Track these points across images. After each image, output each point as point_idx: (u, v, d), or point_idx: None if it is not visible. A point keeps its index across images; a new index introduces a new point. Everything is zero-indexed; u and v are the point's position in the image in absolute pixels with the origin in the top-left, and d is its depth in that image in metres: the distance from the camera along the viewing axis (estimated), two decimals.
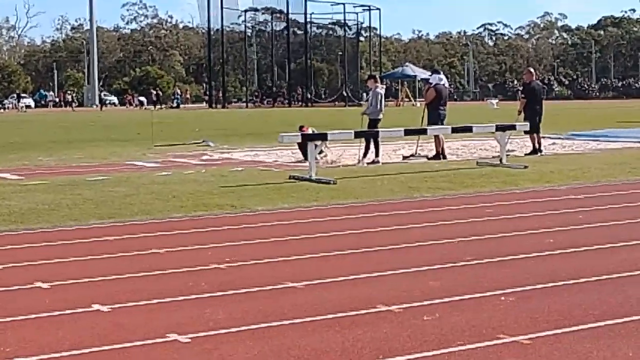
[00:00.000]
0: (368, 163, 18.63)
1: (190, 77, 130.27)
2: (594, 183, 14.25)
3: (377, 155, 18.92)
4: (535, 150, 20.44)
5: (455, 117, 20.34)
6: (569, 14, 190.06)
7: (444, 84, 20.38)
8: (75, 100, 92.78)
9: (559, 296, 6.47)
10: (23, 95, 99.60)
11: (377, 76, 22.09)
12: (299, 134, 17.07)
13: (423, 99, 24.10)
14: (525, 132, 20.18)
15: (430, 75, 21.39)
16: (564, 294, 6.56)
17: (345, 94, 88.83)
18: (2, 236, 9.46)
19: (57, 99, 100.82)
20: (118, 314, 6.11)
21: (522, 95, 21.36)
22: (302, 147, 17.98)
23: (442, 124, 19.42)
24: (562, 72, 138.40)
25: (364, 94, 20.54)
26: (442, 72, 21.60)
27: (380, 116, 19.53)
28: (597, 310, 6.04)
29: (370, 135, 18.78)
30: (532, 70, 22.29)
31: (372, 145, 19.04)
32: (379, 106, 19.38)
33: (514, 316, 5.90)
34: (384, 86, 20.42)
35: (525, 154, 20.22)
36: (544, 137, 22.08)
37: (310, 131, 18.31)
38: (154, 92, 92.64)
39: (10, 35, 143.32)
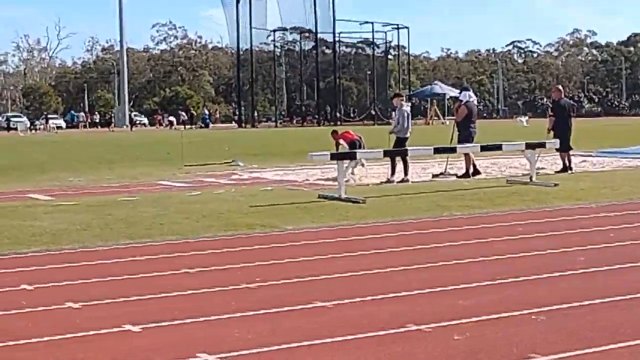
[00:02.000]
0: (398, 182, 18.57)
1: (219, 96, 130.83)
2: (625, 201, 14.14)
3: (406, 174, 18.86)
4: (566, 168, 20.32)
5: (484, 135, 20.28)
6: (598, 30, 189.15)
7: (473, 101, 20.33)
8: (112, 121, 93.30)
9: (590, 315, 6.42)
10: (54, 116, 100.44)
11: (403, 94, 21.98)
12: (328, 153, 17.05)
13: (452, 117, 24.04)
14: (556, 150, 20.08)
15: (460, 93, 21.31)
16: (596, 312, 6.51)
17: (374, 113, 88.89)
18: (34, 256, 9.52)
19: (87, 120, 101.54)
20: (149, 333, 6.12)
21: (551, 113, 21.23)
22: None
23: (473, 141, 19.35)
24: (592, 89, 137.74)
25: (393, 113, 20.52)
26: (471, 89, 21.51)
27: (408, 134, 19.47)
28: (629, 329, 5.99)
29: (396, 154, 18.74)
30: (560, 87, 22.21)
31: (399, 164, 18.97)
32: (405, 124, 19.34)
33: (544, 335, 5.86)
34: (409, 104, 20.36)
35: (556, 172, 20.10)
36: (574, 155, 21.97)
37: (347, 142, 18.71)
38: (183, 114, 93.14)
39: (42, 56, 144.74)
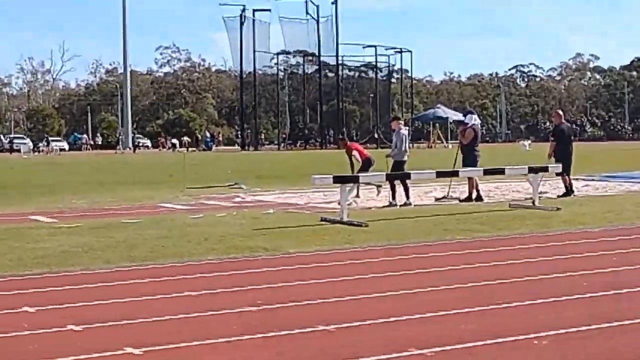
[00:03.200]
0: (400, 205, 18.55)
1: (222, 119, 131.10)
2: (629, 225, 14.12)
3: (407, 197, 18.83)
4: (569, 192, 20.31)
5: (487, 159, 20.26)
6: (601, 55, 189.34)
7: (478, 125, 20.35)
8: (120, 143, 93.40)
9: (593, 340, 6.40)
10: (57, 138, 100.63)
11: (401, 117, 21.94)
12: (331, 176, 17.02)
13: (456, 141, 24.04)
14: (557, 174, 20.09)
15: (465, 116, 21.30)
16: (599, 337, 6.49)
17: (376, 136, 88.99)
18: (36, 279, 9.51)
19: (90, 142, 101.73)
20: (150, 357, 6.11)
21: (552, 138, 21.25)
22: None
23: (477, 165, 19.34)
24: (594, 113, 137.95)
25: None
26: (475, 113, 21.49)
27: (405, 157, 19.42)
28: (634, 355, 5.96)
29: (397, 178, 18.72)
30: (560, 112, 22.25)
31: (400, 188, 18.95)
32: (403, 147, 19.30)
33: None
34: (407, 127, 20.38)
35: (558, 196, 20.09)
36: (576, 179, 21.93)
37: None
38: (186, 138, 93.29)
39: (46, 79, 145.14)
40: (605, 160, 40.57)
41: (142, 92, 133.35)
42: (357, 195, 20.25)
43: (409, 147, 19.94)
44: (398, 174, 18.73)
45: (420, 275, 9.51)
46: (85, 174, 36.16)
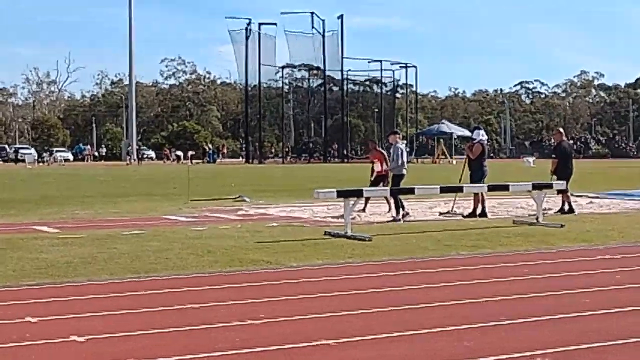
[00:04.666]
0: (389, 220, 18.57)
1: (227, 132, 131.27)
2: (632, 243, 14.10)
3: (397, 212, 18.83)
4: (572, 209, 20.31)
5: (491, 175, 20.24)
6: (606, 72, 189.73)
7: (485, 140, 20.39)
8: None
9: (595, 358, 6.39)
10: (62, 149, 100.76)
11: (399, 131, 21.84)
12: (334, 190, 17.00)
13: (460, 156, 24.05)
14: (558, 192, 20.12)
15: (472, 132, 21.37)
16: (601, 355, 6.48)
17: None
18: (39, 289, 9.51)
19: (94, 153, 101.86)
20: None
21: (554, 155, 21.33)
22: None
23: (485, 180, 19.35)
24: (599, 131, 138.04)
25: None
26: (482, 129, 21.50)
27: (404, 171, 19.39)
28: None
29: (400, 192, 18.72)
30: (561, 130, 22.36)
31: (405, 202, 18.98)
32: (400, 161, 19.27)
33: None
34: (405, 142, 20.37)
35: (562, 213, 20.04)
36: (580, 196, 21.89)
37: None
38: (191, 153, 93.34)
39: (51, 89, 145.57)
40: (609, 178, 40.55)
41: (147, 103, 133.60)
42: (363, 210, 20.24)
43: (407, 162, 19.83)
44: (402, 189, 18.73)
45: (423, 290, 9.49)
46: (89, 185, 36.19)
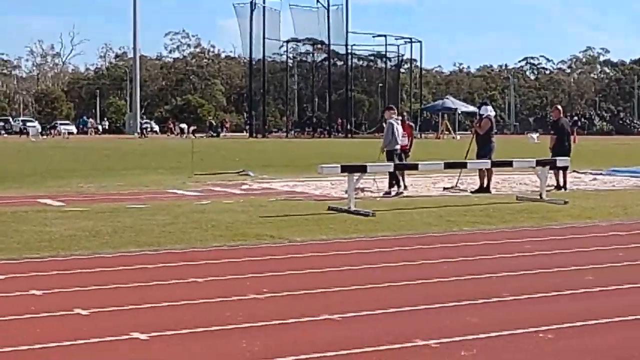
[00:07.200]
0: (384, 194, 18.61)
1: (231, 106, 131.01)
2: (636, 220, 14.10)
3: (390, 186, 18.90)
4: (559, 186, 20.21)
5: (495, 151, 20.20)
6: (611, 48, 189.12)
7: (493, 115, 20.38)
8: (148, 128, 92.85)
9: (598, 334, 6.41)
10: (66, 122, 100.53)
11: (394, 107, 21.44)
12: (339, 165, 16.98)
13: (464, 132, 23.99)
14: (551, 168, 20.06)
15: (480, 107, 21.37)
16: (604, 332, 6.50)
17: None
18: (43, 262, 9.54)
19: (96, 126, 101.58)
20: (156, 342, 6.13)
21: (552, 132, 21.36)
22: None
23: (493, 155, 19.34)
24: (604, 107, 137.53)
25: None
26: (490, 104, 21.45)
27: (397, 147, 19.31)
28: (638, 350, 5.97)
29: (405, 168, 18.72)
30: (559, 107, 22.33)
31: (406, 177, 18.97)
32: (391, 137, 19.16)
33: (552, 354, 5.85)
34: (400, 118, 20.16)
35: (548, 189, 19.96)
36: (584, 173, 21.86)
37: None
38: (192, 127, 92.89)
39: (55, 62, 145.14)
40: (613, 155, 40.50)
41: (151, 77, 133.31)
42: (405, 187, 19.97)
43: (399, 137, 19.52)
44: (407, 164, 18.73)
45: (424, 266, 9.51)
46: (93, 159, 36.20)
